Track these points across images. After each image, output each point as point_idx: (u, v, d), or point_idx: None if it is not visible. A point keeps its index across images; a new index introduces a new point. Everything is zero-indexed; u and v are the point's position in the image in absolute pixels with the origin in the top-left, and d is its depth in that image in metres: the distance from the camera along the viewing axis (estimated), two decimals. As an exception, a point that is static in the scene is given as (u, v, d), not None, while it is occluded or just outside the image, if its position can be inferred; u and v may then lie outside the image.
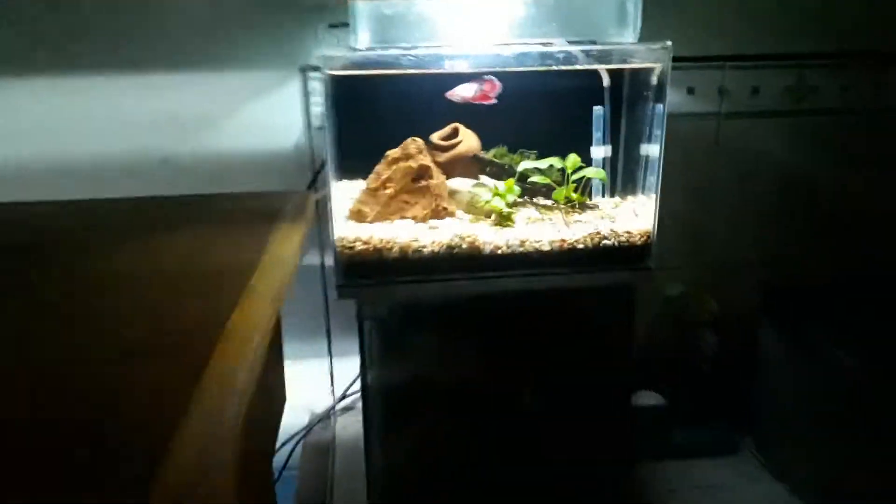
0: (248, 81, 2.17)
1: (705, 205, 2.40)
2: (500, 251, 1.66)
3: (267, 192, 1.59)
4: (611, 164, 1.89)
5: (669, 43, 1.56)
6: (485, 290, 1.67)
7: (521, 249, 1.67)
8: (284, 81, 2.21)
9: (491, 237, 1.66)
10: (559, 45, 1.55)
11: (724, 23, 2.23)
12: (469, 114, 1.84)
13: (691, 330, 2.37)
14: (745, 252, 2.51)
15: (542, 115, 1.86)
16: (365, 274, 1.64)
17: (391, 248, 1.63)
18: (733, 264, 2.43)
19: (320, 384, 2.52)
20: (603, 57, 1.61)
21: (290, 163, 2.22)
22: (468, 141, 1.83)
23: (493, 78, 1.64)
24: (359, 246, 1.63)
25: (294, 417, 2.45)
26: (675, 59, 2.22)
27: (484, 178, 1.87)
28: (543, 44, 1.57)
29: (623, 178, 1.93)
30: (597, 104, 1.83)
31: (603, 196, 1.93)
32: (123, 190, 2.17)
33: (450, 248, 1.65)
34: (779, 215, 2.46)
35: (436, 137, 1.84)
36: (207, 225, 1.28)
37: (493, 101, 1.66)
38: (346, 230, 1.66)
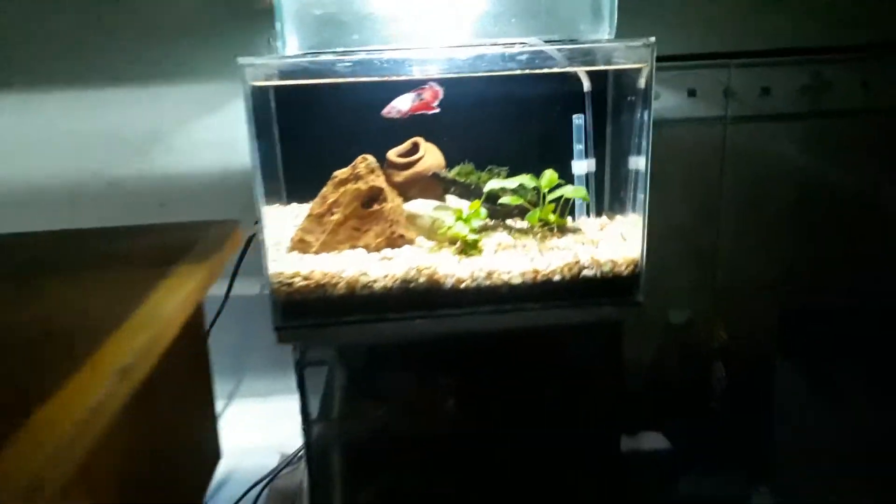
0: (198, 94, 1.98)
1: (711, 220, 2.16)
2: (463, 285, 1.45)
3: (190, 223, 1.39)
4: (596, 179, 1.67)
5: (652, 39, 1.34)
6: (447, 330, 1.46)
7: (489, 283, 1.45)
8: (238, 93, 2.03)
9: (453, 268, 1.45)
10: (526, 45, 1.33)
11: (728, 16, 2.00)
12: (433, 127, 1.63)
13: (698, 362, 2.13)
14: (758, 273, 2.26)
15: (514, 126, 1.66)
16: (307, 314, 1.44)
17: (336, 284, 1.43)
18: (744, 287, 2.19)
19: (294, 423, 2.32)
20: (574, 57, 1.39)
21: (248, 182, 2.04)
22: (429, 157, 1.62)
23: (434, 84, 1.43)
24: (298, 282, 1.43)
25: (263, 459, 2.25)
26: (673, 58, 2.01)
27: (450, 199, 1.66)
28: (508, 44, 1.36)
29: (611, 195, 1.71)
30: (577, 112, 1.61)
31: (588, 216, 1.71)
32: (64, 218, 2.00)
33: (405, 282, 1.44)
34: (795, 231, 2.21)
35: (393, 154, 1.64)
36: (90, 268, 1.09)
37: (436, 109, 1.45)
38: (285, 263, 1.46)
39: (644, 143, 1.43)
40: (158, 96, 1.96)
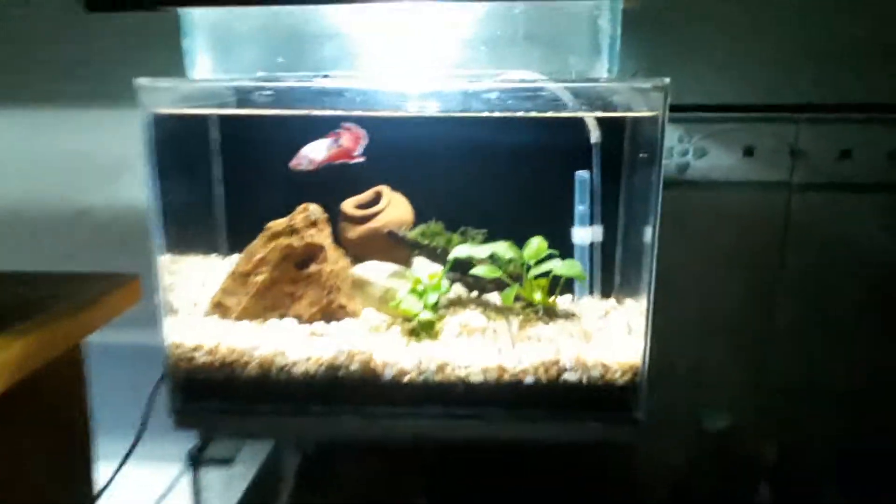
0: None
1: (765, 306, 1.76)
2: (407, 378, 1.14)
3: (92, 275, 1.16)
4: (604, 251, 1.34)
5: (666, 80, 1.02)
6: (382, 434, 1.15)
7: (440, 378, 1.14)
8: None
9: (397, 356, 1.15)
10: (513, 78, 1.04)
11: (799, 60, 1.63)
12: (407, 174, 1.35)
13: (740, 480, 1.73)
14: (820, 377, 1.83)
15: (502, 180, 1.35)
16: (210, 397, 1.17)
17: (247, 363, 1.15)
18: (802, 392, 1.77)
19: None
20: (569, 99, 1.08)
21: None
22: (392, 211, 1.34)
23: (354, 126, 1.16)
24: (201, 356, 1.16)
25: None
26: (725, 108, 1.67)
27: (418, 264, 1.36)
28: (495, 76, 1.07)
29: (622, 272, 1.37)
30: (582, 167, 1.30)
31: (592, 294, 1.37)
32: (29, 252, 1.83)
33: (332, 367, 1.15)
34: (870, 328, 1.77)
35: (350, 204, 1.36)
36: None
37: (360, 158, 1.18)
38: (190, 331, 1.19)
39: (653, 209, 1.10)
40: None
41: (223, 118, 1.34)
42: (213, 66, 1.06)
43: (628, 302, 1.36)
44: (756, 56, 1.63)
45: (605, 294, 1.37)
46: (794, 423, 1.78)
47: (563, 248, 1.29)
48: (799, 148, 1.67)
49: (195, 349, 1.17)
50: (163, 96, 1.05)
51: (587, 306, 1.35)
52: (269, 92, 1.04)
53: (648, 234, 1.27)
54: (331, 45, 1.11)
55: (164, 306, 1.15)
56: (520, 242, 1.29)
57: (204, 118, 1.32)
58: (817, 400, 1.76)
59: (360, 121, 1.22)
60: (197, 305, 1.30)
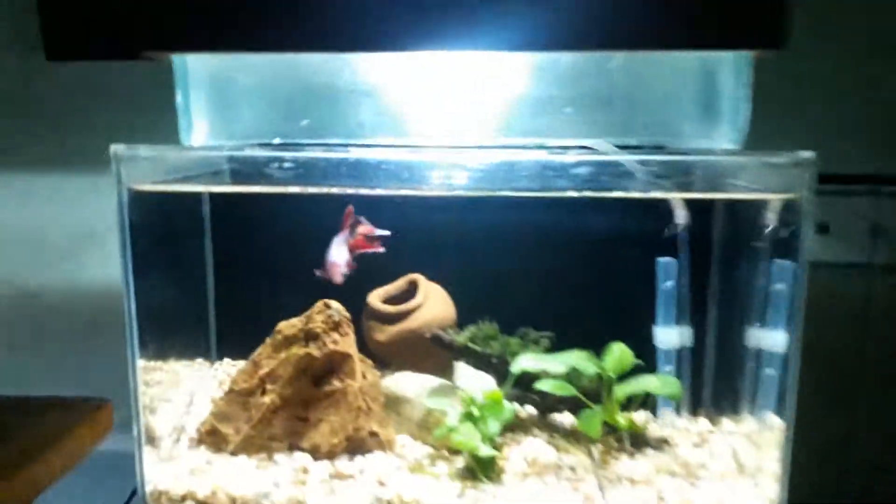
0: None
1: (845, 408, 1.53)
2: None
3: (43, 401, 0.88)
4: (690, 357, 1.10)
5: (811, 154, 0.81)
6: None
7: None
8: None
9: None
10: (591, 150, 0.82)
11: (876, 123, 1.45)
12: (443, 262, 1.11)
13: None
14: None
15: (568, 271, 1.12)
16: None
17: None
18: None
19: None
20: (674, 175, 0.86)
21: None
22: (432, 307, 1.09)
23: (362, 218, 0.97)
24: None
25: None
26: None
27: (461, 371, 1.11)
28: (560, 148, 0.85)
29: (714, 384, 1.13)
30: (664, 254, 1.07)
31: (678, 413, 1.12)
32: None
33: None
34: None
35: (377, 298, 1.11)
36: None
37: (381, 248, 0.97)
38: (175, 471, 0.91)
39: (795, 312, 0.87)
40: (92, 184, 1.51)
41: (216, 194, 1.10)
42: (212, 128, 0.82)
43: (725, 422, 1.12)
44: (833, 119, 1.45)
45: (694, 411, 1.13)
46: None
47: (643, 355, 1.06)
48: (880, 223, 1.47)
49: (184, 498, 0.89)
50: (144, 168, 0.81)
51: (674, 427, 1.10)
52: (288, 165, 0.80)
53: (756, 338, 1.06)
54: (362, 106, 0.88)
55: (143, 441, 0.88)
56: (586, 345, 1.05)
57: (195, 194, 1.07)
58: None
59: (392, 200, 0.99)
60: (182, 431, 1.03)
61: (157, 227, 0.92)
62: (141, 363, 0.94)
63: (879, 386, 1.54)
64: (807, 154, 0.82)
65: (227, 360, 1.23)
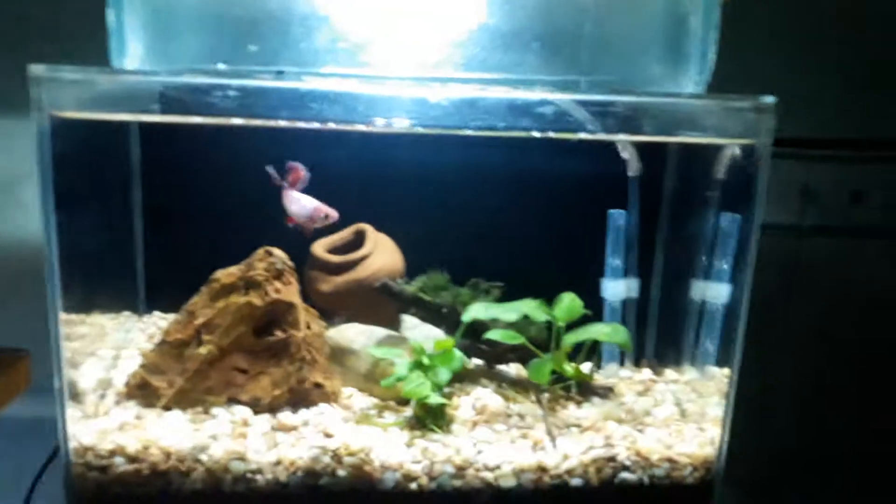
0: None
1: (772, 365, 1.60)
2: (415, 485, 0.86)
3: None
4: (637, 308, 1.12)
5: (773, 100, 0.82)
6: None
7: (459, 484, 0.87)
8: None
9: (398, 455, 0.86)
10: (540, 89, 0.80)
11: (813, 89, 1.49)
12: (393, 209, 1.08)
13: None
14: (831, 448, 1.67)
15: (518, 220, 1.11)
16: None
17: (189, 473, 0.83)
18: (813, 460, 1.62)
19: None
20: (629, 118, 0.85)
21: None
22: (380, 256, 1.06)
23: (298, 164, 0.94)
24: (119, 464, 0.83)
25: None
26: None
27: (408, 324, 1.09)
28: (519, 84, 0.83)
29: (659, 336, 1.15)
30: (615, 205, 1.08)
31: (621, 364, 1.14)
32: None
33: (312, 474, 0.85)
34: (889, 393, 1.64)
35: (322, 248, 1.08)
36: None
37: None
38: (102, 426, 0.86)
39: (749, 261, 0.89)
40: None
41: (147, 128, 1.02)
42: (148, 52, 0.76)
43: (668, 372, 1.14)
44: (762, 80, 1.49)
45: (637, 362, 1.15)
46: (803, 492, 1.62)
47: (592, 306, 1.06)
48: (810, 188, 1.54)
49: (112, 454, 0.84)
50: (68, 93, 0.74)
51: (619, 378, 1.12)
52: (233, 93, 0.75)
53: (701, 290, 1.08)
54: (316, 32, 0.83)
55: (65, 395, 0.81)
56: (535, 296, 1.05)
57: (123, 127, 0.99)
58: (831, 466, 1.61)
59: (337, 136, 0.95)
60: (109, 386, 0.96)
61: (82, 163, 0.85)
62: (62, 316, 0.88)
63: (805, 347, 1.63)
64: (768, 99, 0.83)
65: (157, 314, 1.16)
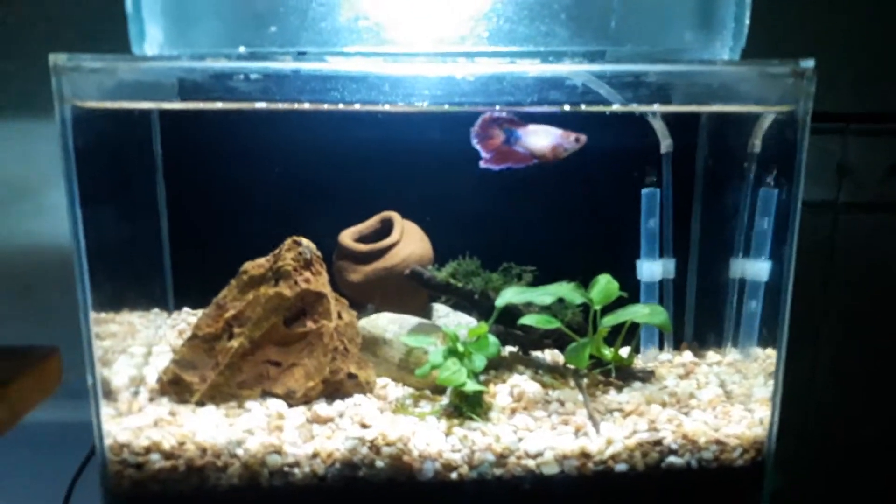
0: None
1: (806, 345, 1.57)
2: (455, 475, 0.85)
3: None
4: (674, 289, 1.10)
5: (811, 64, 0.80)
6: None
7: (500, 472, 0.86)
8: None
9: (437, 443, 0.86)
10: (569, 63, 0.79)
11: (846, 62, 1.47)
12: (415, 199, 1.07)
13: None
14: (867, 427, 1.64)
15: (547, 203, 1.09)
16: None
17: (225, 468, 0.83)
18: (850, 441, 1.59)
19: None
20: (662, 88, 0.84)
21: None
22: (408, 244, 1.06)
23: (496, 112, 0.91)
24: (155, 461, 0.83)
25: None
26: None
27: (440, 312, 1.08)
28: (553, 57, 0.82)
29: (697, 318, 1.13)
30: (649, 183, 1.06)
31: (661, 348, 1.13)
32: None
33: (350, 465, 0.84)
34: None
35: (350, 237, 1.07)
36: None
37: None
38: (136, 423, 0.86)
39: (782, 240, 0.87)
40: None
41: (169, 117, 1.02)
42: (167, 37, 0.76)
43: (711, 355, 1.12)
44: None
45: (677, 345, 1.13)
46: (843, 478, 1.59)
47: (625, 286, 1.05)
48: (846, 163, 1.51)
49: (148, 451, 0.84)
50: (89, 82, 0.74)
51: (659, 362, 1.10)
52: (255, 76, 0.75)
53: (742, 268, 1.06)
54: (337, 10, 0.82)
55: (99, 393, 0.82)
56: (568, 280, 1.03)
57: (145, 117, 0.99)
58: (859, 444, 1.57)
59: (363, 118, 0.94)
60: (141, 383, 0.97)
61: (105, 156, 0.85)
62: (93, 315, 0.88)
63: (839, 326, 1.59)
64: (807, 63, 0.81)
65: (186, 310, 1.17)
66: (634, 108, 0.81)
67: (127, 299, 1.05)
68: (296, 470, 0.86)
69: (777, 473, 1.52)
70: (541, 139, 0.92)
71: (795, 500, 1.57)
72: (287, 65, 0.75)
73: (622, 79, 0.80)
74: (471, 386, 0.92)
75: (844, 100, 1.49)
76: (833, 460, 1.63)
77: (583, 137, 0.92)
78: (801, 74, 0.80)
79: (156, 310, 1.11)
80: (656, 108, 0.88)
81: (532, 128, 0.92)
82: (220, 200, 1.08)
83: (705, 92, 0.84)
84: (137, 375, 0.98)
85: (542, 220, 1.11)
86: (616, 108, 0.80)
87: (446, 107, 0.77)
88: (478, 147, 0.94)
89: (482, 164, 0.94)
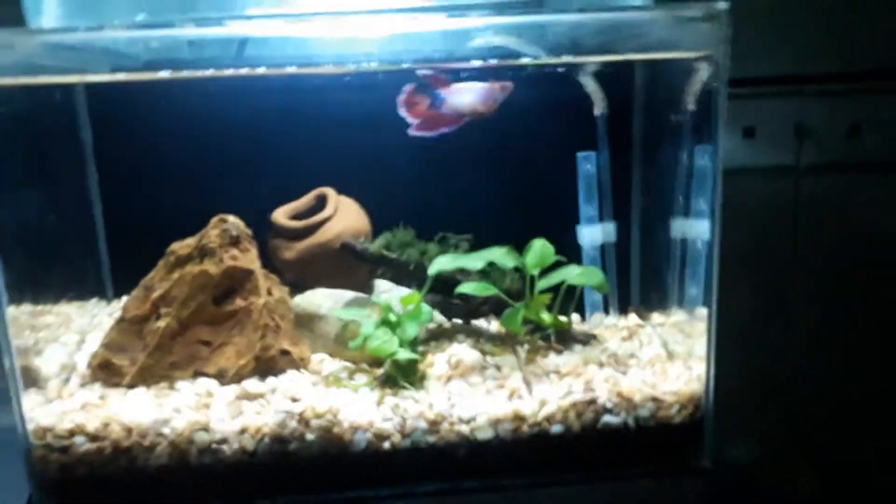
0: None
1: (778, 311, 1.56)
2: (388, 443, 0.84)
3: None
4: (617, 253, 1.09)
5: (725, 5, 0.79)
6: None
7: (434, 440, 0.85)
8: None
9: (369, 414, 0.85)
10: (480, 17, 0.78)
11: (803, 24, 1.45)
12: (351, 170, 1.06)
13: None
14: (852, 393, 1.63)
15: (483, 168, 1.09)
16: (98, 501, 0.83)
17: (153, 448, 0.82)
18: (831, 403, 1.58)
19: None
20: (574, 38, 0.83)
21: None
22: (343, 218, 1.05)
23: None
24: (81, 444, 0.82)
25: None
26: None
27: (379, 287, 1.07)
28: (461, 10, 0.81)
29: (643, 281, 1.12)
30: (585, 146, 1.05)
31: (606, 313, 1.12)
32: None
33: (279, 439, 0.83)
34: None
35: (283, 214, 1.06)
36: None
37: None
38: (62, 407, 0.85)
39: (708, 193, 0.86)
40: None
41: (95, 93, 1.01)
42: (63, 7, 0.75)
43: (655, 317, 1.11)
44: (757, 21, 1.45)
45: (623, 309, 1.12)
46: (823, 446, 1.58)
47: (569, 254, 1.04)
48: (806, 124, 1.49)
49: (72, 433, 0.83)
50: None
51: (604, 325, 1.09)
52: (154, 45, 0.74)
53: (680, 228, 1.04)
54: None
55: (17, 376, 0.81)
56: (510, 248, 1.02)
57: (68, 92, 0.98)
58: (849, 415, 1.56)
59: (282, 84, 0.93)
60: (73, 370, 0.96)
61: (21, 134, 0.84)
62: (27, 308, 0.87)
63: (808, 292, 1.58)
64: (721, 4, 0.80)
65: (126, 298, 1.15)
66: (549, 60, 0.80)
67: (63, 290, 1.04)
68: (224, 447, 0.85)
69: (754, 441, 1.52)
70: (466, 96, 0.91)
71: (773, 470, 1.56)
72: (189, 31, 0.75)
73: (534, 30, 0.79)
74: (402, 354, 0.91)
75: (800, 60, 1.49)
76: (810, 427, 1.62)
77: (508, 84, 0.90)
78: (715, 17, 0.79)
79: (94, 299, 1.10)
80: (568, 59, 0.86)
81: (455, 87, 0.91)
82: (158, 178, 1.07)
83: (620, 39, 0.83)
84: (69, 363, 0.97)
85: (479, 188, 1.10)
86: (528, 62, 0.79)
87: (352, 67, 0.76)
88: (404, 115, 0.93)
89: (411, 132, 0.93)
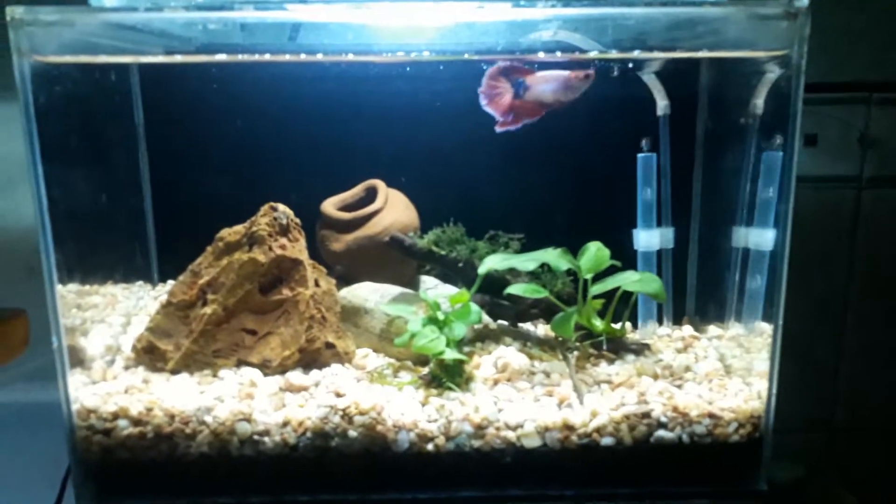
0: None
1: (832, 327, 1.50)
2: (431, 446, 0.82)
3: None
4: (673, 260, 1.05)
5: (804, 3, 0.74)
6: None
7: (478, 444, 0.82)
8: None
9: (412, 414, 0.83)
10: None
11: (870, 30, 1.39)
12: (406, 163, 1.04)
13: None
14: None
15: (537, 168, 1.05)
16: (140, 488, 0.82)
17: (194, 435, 0.81)
18: (880, 429, 1.51)
19: None
20: (645, 32, 0.79)
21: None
22: (392, 212, 1.03)
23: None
24: (124, 427, 0.81)
25: None
26: None
27: (426, 283, 1.05)
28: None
29: (699, 290, 1.08)
30: (645, 147, 1.01)
31: (660, 323, 1.08)
32: None
33: (321, 435, 0.82)
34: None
35: (332, 205, 1.05)
36: None
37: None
38: (106, 390, 0.85)
39: (779, 202, 0.82)
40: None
41: (149, 75, 1.00)
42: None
43: (712, 329, 1.07)
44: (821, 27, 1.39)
45: (677, 319, 1.08)
46: (875, 461, 1.51)
47: (623, 259, 1.00)
48: (870, 135, 1.43)
49: (115, 416, 0.82)
50: (49, 35, 0.72)
51: (657, 336, 1.05)
52: (213, 27, 0.73)
53: (743, 237, 1.00)
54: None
55: (65, 355, 0.80)
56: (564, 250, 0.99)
57: (123, 73, 0.97)
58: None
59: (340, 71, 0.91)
60: (118, 352, 0.95)
61: (77, 118, 0.84)
62: (75, 287, 0.87)
63: (865, 308, 1.52)
64: (801, 2, 0.76)
65: (171, 283, 1.15)
66: (614, 55, 0.76)
67: (111, 271, 1.04)
68: (266, 438, 0.84)
69: (798, 461, 1.46)
70: (550, 84, 0.88)
71: (821, 489, 1.51)
72: (248, 13, 0.73)
73: (603, 22, 0.76)
74: (449, 354, 0.88)
75: (866, 67, 1.43)
76: (862, 445, 1.56)
77: (591, 73, 0.87)
78: (794, 15, 0.75)
79: (139, 282, 1.10)
80: (638, 55, 0.82)
81: (540, 74, 0.88)
82: (205, 168, 1.06)
83: (694, 36, 0.79)
84: (114, 345, 0.97)
85: (532, 187, 1.07)
86: (594, 56, 0.76)
87: (413, 56, 0.74)
88: (489, 109, 0.90)
89: (498, 129, 0.90)
